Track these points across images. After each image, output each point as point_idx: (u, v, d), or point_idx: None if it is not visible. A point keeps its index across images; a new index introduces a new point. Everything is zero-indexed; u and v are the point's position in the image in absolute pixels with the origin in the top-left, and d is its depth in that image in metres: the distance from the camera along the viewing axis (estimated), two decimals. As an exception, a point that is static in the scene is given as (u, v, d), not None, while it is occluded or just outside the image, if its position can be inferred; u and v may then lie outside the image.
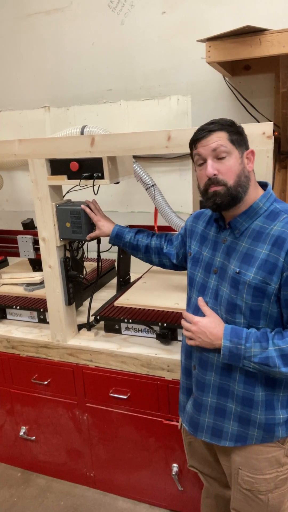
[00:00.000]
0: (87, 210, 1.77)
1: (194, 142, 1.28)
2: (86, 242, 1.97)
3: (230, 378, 1.31)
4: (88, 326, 2.07)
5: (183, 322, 1.37)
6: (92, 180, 1.72)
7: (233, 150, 1.23)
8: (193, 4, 2.36)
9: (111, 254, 2.44)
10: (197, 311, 1.38)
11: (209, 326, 1.29)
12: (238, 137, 1.25)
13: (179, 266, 1.69)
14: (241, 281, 1.24)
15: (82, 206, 1.77)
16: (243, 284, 1.24)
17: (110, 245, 1.80)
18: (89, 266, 2.61)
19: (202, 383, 1.37)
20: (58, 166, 1.79)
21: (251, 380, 1.28)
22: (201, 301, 1.35)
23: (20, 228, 2.56)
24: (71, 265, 1.95)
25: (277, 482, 1.35)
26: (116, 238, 1.73)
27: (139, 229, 1.75)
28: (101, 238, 1.88)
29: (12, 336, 2.14)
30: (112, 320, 2.03)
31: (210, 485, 1.64)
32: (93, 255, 2.56)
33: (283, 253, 1.18)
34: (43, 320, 2.24)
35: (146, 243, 1.69)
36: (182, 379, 1.51)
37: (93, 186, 1.72)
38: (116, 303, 2.05)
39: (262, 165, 1.44)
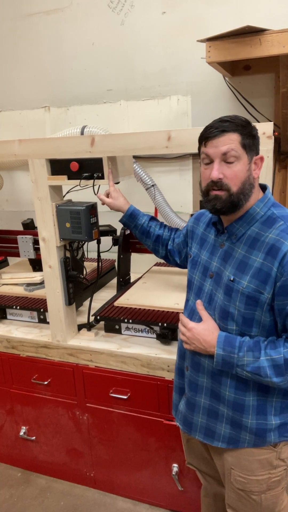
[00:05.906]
0: (109, 174, 1.69)
1: (205, 139, 1.21)
2: (86, 242, 1.97)
3: (221, 383, 1.31)
4: (88, 326, 2.07)
5: (180, 326, 1.37)
6: (92, 180, 1.72)
7: (243, 155, 1.18)
8: (193, 4, 2.36)
9: (111, 254, 2.44)
10: (193, 314, 1.38)
11: (203, 334, 1.28)
12: (250, 141, 1.20)
13: (182, 266, 1.68)
14: (234, 289, 1.23)
15: (108, 171, 1.69)
16: (236, 292, 1.23)
17: (110, 245, 1.80)
18: (89, 266, 2.61)
19: (195, 384, 1.38)
20: (58, 166, 1.79)
21: (243, 386, 1.27)
22: (199, 305, 1.34)
23: (20, 228, 2.57)
24: (71, 265, 1.95)
25: (269, 483, 1.35)
26: (130, 217, 1.68)
27: (152, 216, 1.72)
28: (101, 238, 1.88)
29: (12, 336, 2.14)
30: (112, 320, 2.02)
31: (208, 483, 1.65)
32: (93, 255, 2.56)
33: (276, 263, 1.16)
34: (43, 320, 2.24)
35: (159, 233, 1.67)
36: (176, 379, 1.51)
37: (93, 186, 1.72)
38: (116, 303, 2.05)
39: (262, 165, 1.44)
